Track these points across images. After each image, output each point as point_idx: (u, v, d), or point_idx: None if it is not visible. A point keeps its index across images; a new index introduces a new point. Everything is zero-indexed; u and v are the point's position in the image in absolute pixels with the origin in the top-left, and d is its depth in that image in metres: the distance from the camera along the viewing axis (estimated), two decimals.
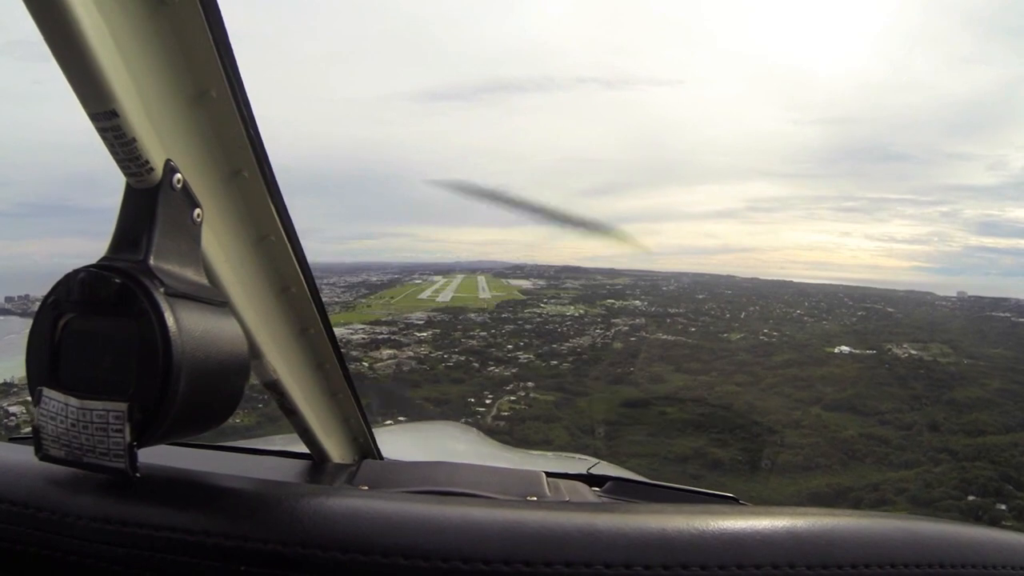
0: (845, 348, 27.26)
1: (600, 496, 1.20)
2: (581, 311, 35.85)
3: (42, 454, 0.52)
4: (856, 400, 21.80)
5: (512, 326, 32.39)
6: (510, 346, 29.50)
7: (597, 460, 1.68)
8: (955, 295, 37.44)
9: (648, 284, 42.08)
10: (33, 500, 0.51)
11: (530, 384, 23.90)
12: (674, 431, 17.21)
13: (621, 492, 1.22)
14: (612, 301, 37.82)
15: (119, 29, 0.50)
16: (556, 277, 42.40)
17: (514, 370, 25.99)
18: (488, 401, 22.29)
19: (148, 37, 0.54)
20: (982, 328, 30.19)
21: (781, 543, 0.45)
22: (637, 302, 38.15)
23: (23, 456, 0.56)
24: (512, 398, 22.38)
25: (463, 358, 27.73)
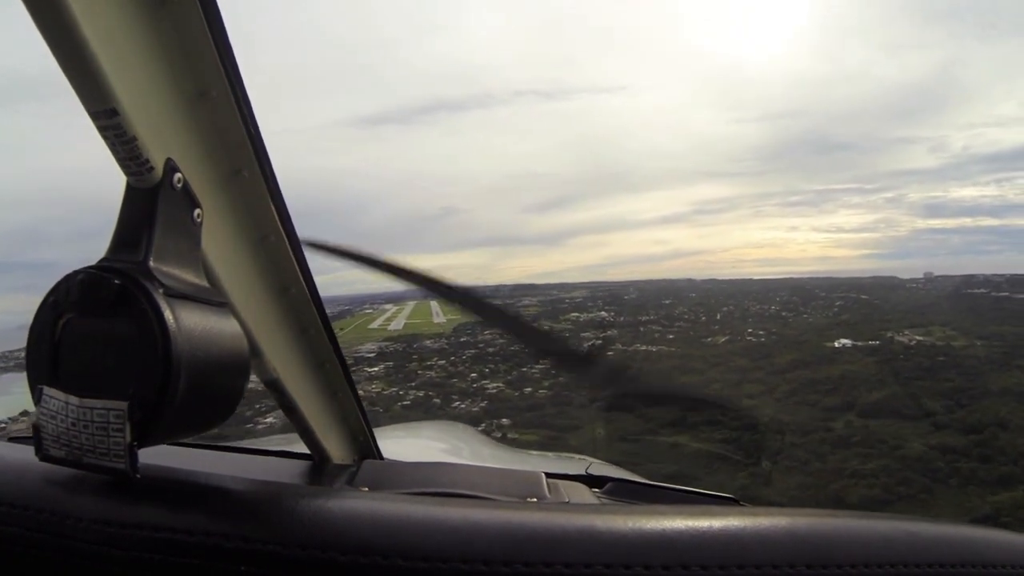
0: (846, 341, 23.66)
1: (600, 497, 1.15)
2: (546, 328, 31.46)
3: (42, 454, 0.49)
4: (895, 402, 17.73)
5: (473, 350, 27.80)
6: (474, 374, 24.87)
7: (596, 460, 1.58)
8: (922, 276, 35.27)
9: (607, 294, 39.27)
10: (33, 501, 0.49)
11: (505, 421, 18.85)
12: (700, 470, 12.45)
13: (621, 493, 1.18)
14: (576, 314, 34.13)
15: (119, 28, 0.49)
16: (511, 296, 38.62)
17: (483, 403, 21.21)
18: None
19: (148, 36, 0.52)
20: (971, 306, 27.28)
21: (781, 543, 0.44)
22: (603, 313, 34.55)
23: (23, 456, 0.53)
24: None
25: (421, 393, 22.90)
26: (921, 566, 0.44)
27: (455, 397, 22.20)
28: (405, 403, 21.70)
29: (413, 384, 24.05)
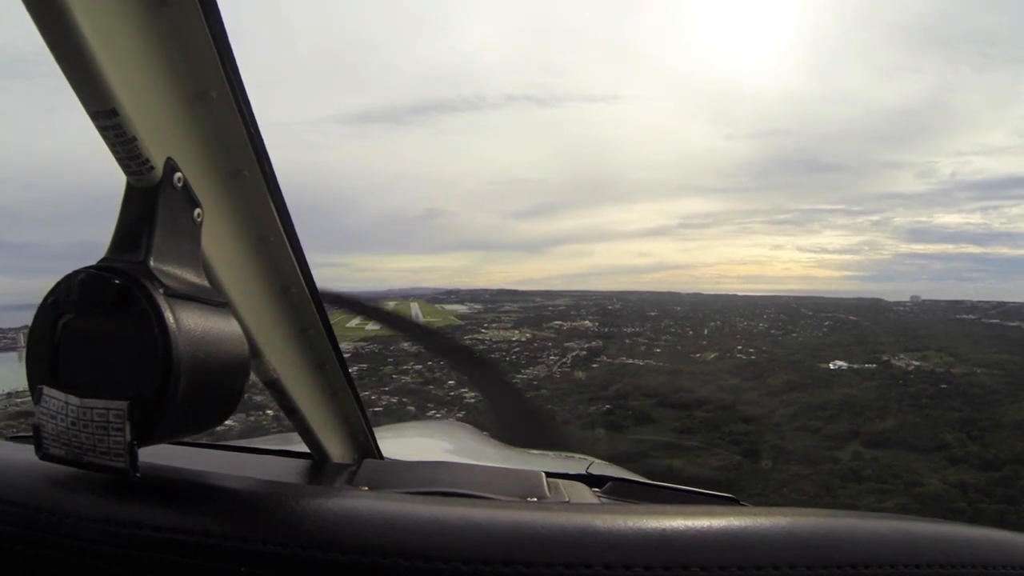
0: (842, 363, 22.50)
1: (600, 496, 1.13)
2: (528, 335, 30.23)
3: (42, 453, 0.49)
4: (903, 432, 16.41)
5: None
6: (452, 382, 23.07)
7: (597, 460, 1.53)
8: (908, 299, 34.56)
9: (592, 304, 38.16)
10: (33, 499, 0.49)
11: (484, 435, 17.25)
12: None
13: (621, 492, 1.15)
14: (560, 323, 32.78)
15: (119, 29, 0.49)
16: (493, 300, 37.84)
17: (460, 414, 19.38)
18: None
19: (148, 37, 0.52)
20: (966, 332, 26.37)
21: (781, 543, 0.43)
22: (587, 322, 33.24)
23: (23, 455, 0.54)
24: None
25: (395, 400, 21.13)
26: (921, 566, 0.44)
27: (431, 405, 20.48)
28: (377, 409, 19.91)
29: (387, 389, 22.35)
